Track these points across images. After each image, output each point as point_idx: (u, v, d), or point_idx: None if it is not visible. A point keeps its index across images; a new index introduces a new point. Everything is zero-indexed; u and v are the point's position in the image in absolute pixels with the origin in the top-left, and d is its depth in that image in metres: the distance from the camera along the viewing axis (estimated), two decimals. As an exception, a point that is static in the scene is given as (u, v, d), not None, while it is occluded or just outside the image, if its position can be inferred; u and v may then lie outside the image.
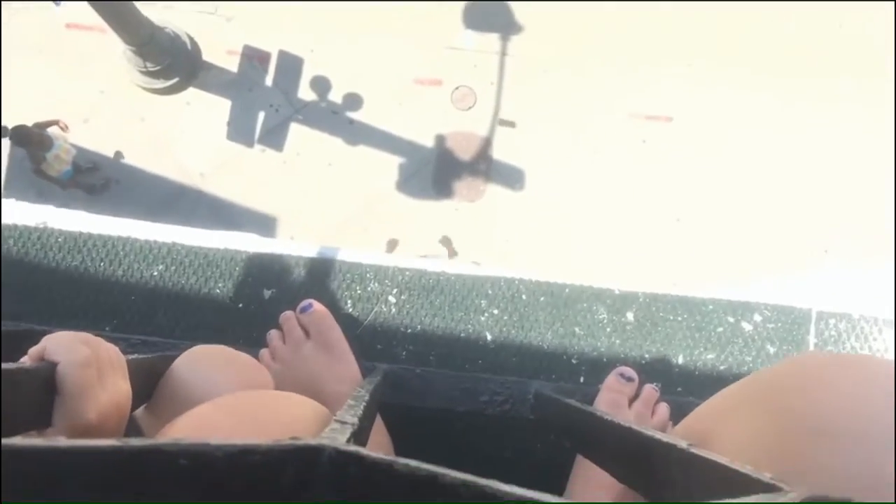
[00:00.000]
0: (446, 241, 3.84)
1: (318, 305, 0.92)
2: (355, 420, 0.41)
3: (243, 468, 0.29)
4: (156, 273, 0.99)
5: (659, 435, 0.49)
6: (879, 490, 0.36)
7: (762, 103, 4.07)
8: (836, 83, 4.09)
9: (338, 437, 0.36)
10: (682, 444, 0.46)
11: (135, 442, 0.27)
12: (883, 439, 0.37)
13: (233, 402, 0.49)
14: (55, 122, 3.36)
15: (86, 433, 0.49)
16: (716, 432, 0.48)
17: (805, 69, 4.11)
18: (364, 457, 0.30)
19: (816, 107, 4.08)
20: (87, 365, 0.50)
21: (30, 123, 3.20)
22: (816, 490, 0.34)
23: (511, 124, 4.03)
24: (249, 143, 3.89)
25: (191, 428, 0.46)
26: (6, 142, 3.28)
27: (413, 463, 0.29)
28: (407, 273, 1.04)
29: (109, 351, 0.56)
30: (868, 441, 0.37)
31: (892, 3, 3.99)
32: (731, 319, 1.06)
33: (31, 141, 3.15)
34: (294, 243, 1.04)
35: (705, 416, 0.54)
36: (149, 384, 0.65)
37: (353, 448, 0.30)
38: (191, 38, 3.90)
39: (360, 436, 0.42)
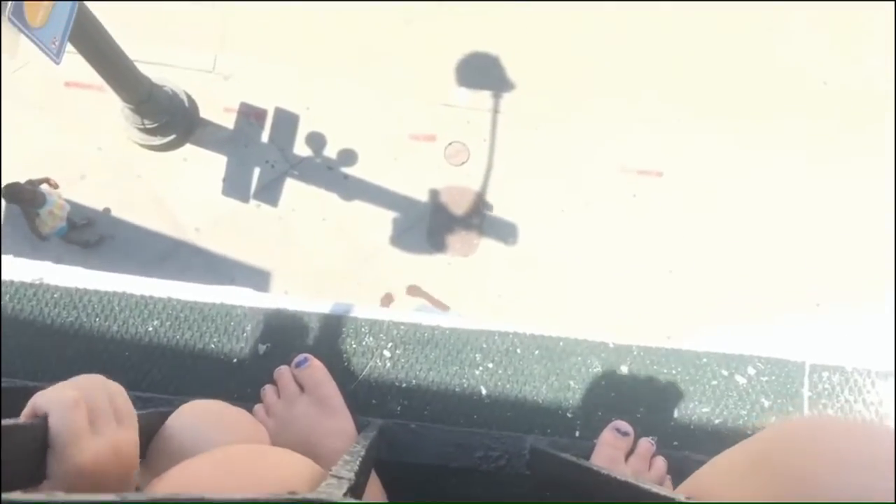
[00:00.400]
0: (416, 290, 3.84)
1: (313, 360, 0.92)
2: (351, 475, 0.41)
3: (242, 522, 0.29)
4: (151, 328, 0.99)
5: (657, 489, 0.49)
6: None
7: (753, 157, 4.14)
8: (827, 137, 4.17)
9: (335, 492, 0.36)
10: (680, 497, 0.46)
11: (132, 497, 0.27)
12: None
13: (223, 457, 0.49)
14: (46, 180, 3.38)
15: (81, 480, 0.48)
16: (713, 496, 0.49)
17: (797, 124, 4.19)
18: (361, 511, 0.30)
19: (808, 160, 4.14)
20: (75, 407, 0.50)
21: (23, 180, 3.23)
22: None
23: (490, 207, 4.08)
24: (245, 199, 3.92)
25: (180, 481, 0.46)
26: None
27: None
28: (402, 327, 1.04)
29: (114, 396, 0.56)
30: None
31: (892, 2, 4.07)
32: (724, 373, 1.06)
33: (24, 198, 3.17)
34: (289, 298, 1.05)
35: (703, 482, 0.54)
36: (143, 440, 0.65)
37: (349, 502, 0.31)
38: (188, 96, 3.95)
39: (356, 491, 0.42)
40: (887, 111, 4.11)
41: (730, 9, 4.28)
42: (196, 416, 0.70)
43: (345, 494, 0.37)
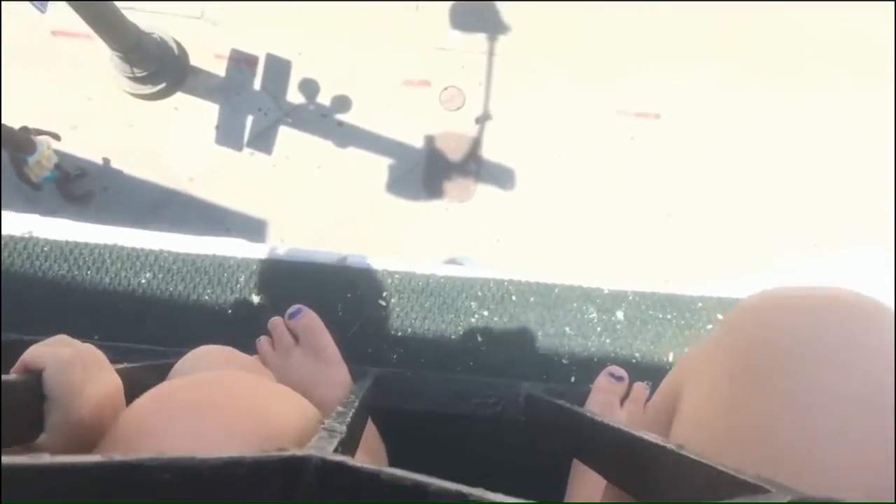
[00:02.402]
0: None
1: (307, 311, 0.91)
2: (343, 428, 0.41)
3: (230, 480, 0.29)
4: (143, 281, 0.98)
5: (648, 436, 0.49)
6: (831, 405, 0.35)
7: (750, 99, 4.09)
8: (825, 78, 4.12)
9: (325, 447, 0.36)
10: (671, 445, 0.46)
11: (118, 457, 0.27)
12: (830, 361, 0.36)
13: (199, 385, 0.49)
14: (49, 133, 3.32)
15: (81, 431, 0.49)
16: (686, 387, 0.48)
17: (794, 64, 4.13)
18: (350, 467, 0.30)
19: (805, 101, 4.10)
20: (73, 364, 0.50)
21: (17, 128, 3.17)
22: (802, 489, 0.33)
23: (489, 116, 4.03)
24: (238, 147, 3.88)
25: (150, 406, 0.46)
26: None
27: (399, 472, 0.29)
28: (396, 276, 1.04)
29: (89, 349, 0.56)
30: (816, 362, 0.36)
31: (892, 2, 4.03)
32: (720, 317, 1.06)
33: (11, 143, 3.11)
34: (283, 248, 1.04)
35: (677, 373, 0.53)
36: (138, 392, 0.65)
37: (339, 458, 0.30)
38: (178, 43, 3.88)
39: (348, 443, 0.42)
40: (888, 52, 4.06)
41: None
42: (203, 360, 0.71)
43: (336, 449, 0.37)
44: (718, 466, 0.38)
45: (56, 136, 3.34)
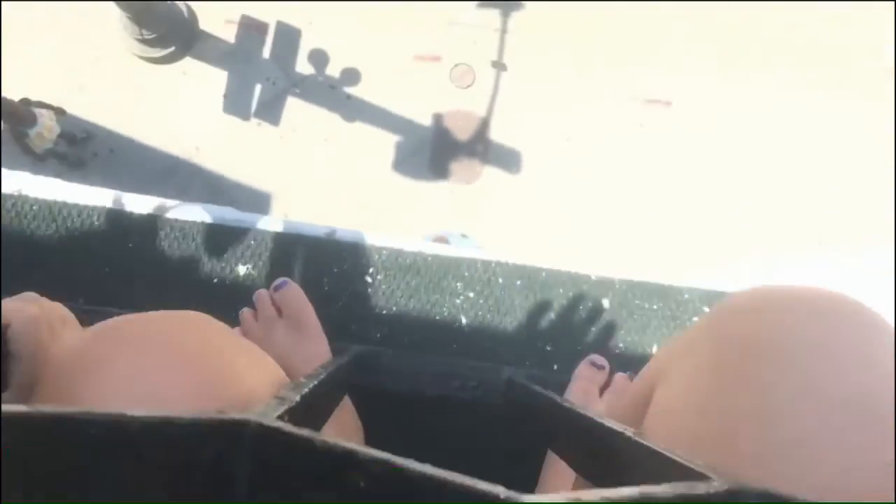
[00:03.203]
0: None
1: (291, 283, 0.91)
2: (296, 397, 0.41)
3: (160, 441, 0.28)
4: (131, 245, 0.98)
5: (608, 421, 0.49)
6: (813, 402, 0.34)
7: (762, 89, 4.05)
8: (836, 72, 4.07)
9: (269, 413, 0.36)
10: (629, 431, 0.45)
11: (46, 409, 0.27)
12: (815, 359, 0.35)
13: (154, 319, 0.46)
14: (51, 107, 3.30)
15: (46, 387, 0.48)
16: (664, 376, 0.47)
17: (806, 58, 4.09)
18: (286, 433, 0.30)
19: (816, 95, 4.06)
20: (39, 322, 0.50)
21: (20, 96, 3.15)
22: (743, 480, 0.33)
23: (503, 66, 4.00)
24: (246, 117, 3.87)
25: (90, 336, 0.44)
26: None
27: (331, 440, 0.28)
28: (384, 252, 1.03)
29: (56, 307, 0.56)
30: (809, 360, 0.35)
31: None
32: (706, 309, 1.05)
33: (11, 117, 3.10)
34: (271, 219, 1.04)
35: (656, 361, 0.52)
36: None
37: (276, 424, 0.30)
38: (188, 6, 3.86)
39: (302, 415, 0.42)
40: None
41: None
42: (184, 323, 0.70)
43: (280, 416, 0.36)
44: (669, 453, 0.37)
45: (60, 111, 3.33)
